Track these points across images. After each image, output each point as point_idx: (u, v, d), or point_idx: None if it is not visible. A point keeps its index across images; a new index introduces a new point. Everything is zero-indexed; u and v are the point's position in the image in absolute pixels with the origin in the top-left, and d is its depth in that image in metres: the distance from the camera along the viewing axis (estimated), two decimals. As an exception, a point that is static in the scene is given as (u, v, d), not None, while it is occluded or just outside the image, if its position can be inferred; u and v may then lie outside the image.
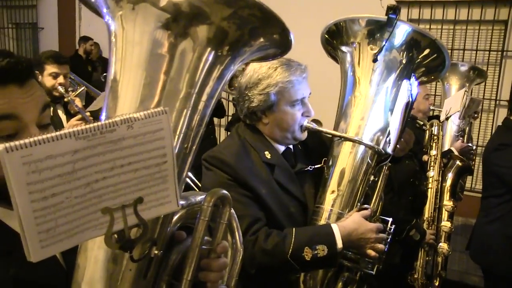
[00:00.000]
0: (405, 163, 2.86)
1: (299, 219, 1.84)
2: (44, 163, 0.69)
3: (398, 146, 1.90)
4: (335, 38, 2.00)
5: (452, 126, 3.55)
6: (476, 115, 3.93)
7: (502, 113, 5.97)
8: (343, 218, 1.80)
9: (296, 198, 1.84)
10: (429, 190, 2.98)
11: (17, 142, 0.66)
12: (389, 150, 1.89)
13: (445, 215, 2.98)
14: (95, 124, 0.73)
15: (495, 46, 6.22)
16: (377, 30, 1.87)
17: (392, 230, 1.89)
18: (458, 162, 3.14)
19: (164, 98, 0.92)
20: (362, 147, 1.87)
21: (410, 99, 1.78)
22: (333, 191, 1.86)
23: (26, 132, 0.96)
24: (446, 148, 3.43)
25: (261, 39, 1.01)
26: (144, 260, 0.93)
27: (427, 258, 2.87)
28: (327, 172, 1.91)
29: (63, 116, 3.54)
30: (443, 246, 2.89)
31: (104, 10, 0.97)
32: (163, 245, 0.99)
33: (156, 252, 0.93)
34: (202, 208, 1.03)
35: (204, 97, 0.97)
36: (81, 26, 9.39)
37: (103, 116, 0.96)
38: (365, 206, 1.86)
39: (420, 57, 1.91)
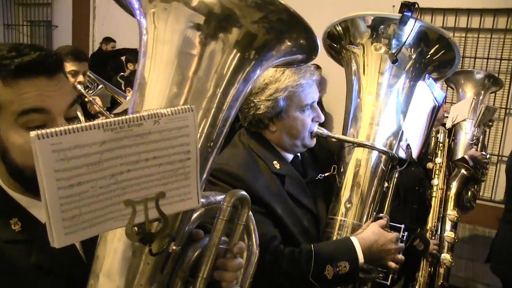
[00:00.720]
0: (411, 170, 2.80)
1: (313, 232, 1.76)
2: (72, 152, 0.71)
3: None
4: (338, 38, 1.91)
5: (467, 134, 3.50)
6: (491, 123, 3.88)
7: None
8: (359, 229, 1.73)
9: (309, 211, 1.76)
10: (433, 198, 2.92)
11: (48, 130, 0.68)
12: (404, 154, 1.83)
13: (448, 224, 2.91)
14: (123, 117, 0.75)
15: (506, 55, 6.25)
16: (386, 28, 1.79)
17: (405, 237, 1.82)
18: (463, 171, 3.07)
19: (191, 96, 0.93)
20: (375, 153, 1.79)
21: (436, 103, 1.71)
22: (347, 201, 1.78)
23: (54, 124, 0.98)
24: (459, 156, 3.39)
25: (289, 44, 1.02)
26: (162, 255, 0.94)
27: (430, 269, 2.79)
28: (339, 180, 1.83)
29: (81, 118, 3.38)
30: (446, 257, 2.81)
31: (136, 7, 1.00)
32: (181, 241, 1.00)
33: (174, 247, 0.94)
34: (221, 208, 1.04)
35: (229, 98, 0.99)
36: (95, 25, 9.46)
37: (130, 112, 0.98)
38: (381, 215, 1.79)
39: (430, 54, 1.82)
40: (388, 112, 1.82)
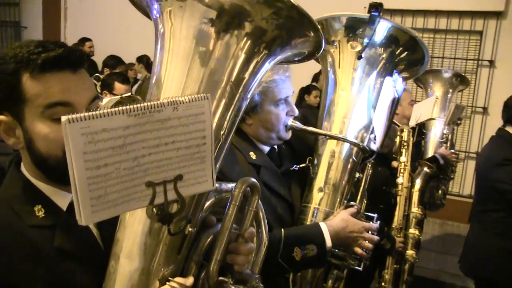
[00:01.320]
0: (378, 170, 2.83)
1: (287, 220, 1.83)
2: (100, 135, 0.77)
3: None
4: None
5: (436, 132, 3.59)
6: (459, 121, 3.96)
7: (478, 119, 6.42)
8: (331, 216, 1.83)
9: (283, 199, 1.82)
10: (399, 197, 2.97)
11: (77, 115, 0.74)
12: (375, 147, 1.92)
13: (412, 222, 2.97)
14: (145, 103, 0.81)
15: (471, 55, 6.54)
16: (358, 28, 1.89)
17: (367, 224, 1.88)
18: (426, 169, 3.14)
19: (205, 88, 1.00)
20: (347, 145, 1.89)
21: (396, 95, 1.79)
22: (319, 190, 1.88)
23: None
24: (430, 154, 3.48)
25: (297, 39, 1.08)
26: (178, 237, 1.00)
27: (396, 266, 2.87)
28: (312, 171, 1.93)
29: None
30: (410, 253, 2.89)
31: (154, 7, 1.06)
32: (196, 225, 1.06)
33: (190, 229, 1.00)
34: (233, 194, 1.10)
35: (240, 89, 1.05)
36: (66, 26, 9.21)
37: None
38: (352, 203, 1.88)
39: (400, 52, 1.92)
40: (359, 107, 1.92)
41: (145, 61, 7.04)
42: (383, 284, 2.79)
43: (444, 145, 3.58)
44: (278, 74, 1.74)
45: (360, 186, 1.98)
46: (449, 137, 3.68)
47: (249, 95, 1.09)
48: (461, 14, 6.41)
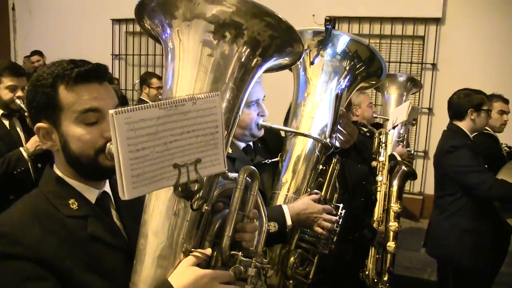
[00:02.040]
0: (358, 167, 3.19)
1: None
2: (139, 124, 0.97)
3: (341, 138, 2.24)
4: None
5: (394, 132, 3.92)
6: (414, 122, 4.33)
7: (424, 120, 6.94)
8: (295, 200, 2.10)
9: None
10: (378, 193, 3.30)
11: (122, 108, 0.95)
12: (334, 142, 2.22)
13: (392, 216, 3.31)
14: (172, 99, 1.02)
15: (415, 59, 7.07)
16: (317, 39, 2.21)
17: (343, 214, 2.17)
18: (403, 168, 3.51)
19: (211, 90, 1.21)
20: (311, 141, 2.17)
21: (338, 92, 2.13)
22: (286, 178, 2.16)
23: (104, 120, 1.24)
24: (388, 153, 3.78)
25: (286, 49, 1.32)
26: (197, 214, 1.20)
27: (377, 256, 3.18)
28: (281, 164, 2.21)
29: (21, 134, 3.35)
30: (391, 244, 3.20)
31: (165, 29, 1.28)
32: (210, 205, 1.26)
33: (206, 207, 1.20)
34: (238, 180, 1.30)
35: (238, 91, 1.27)
36: (16, 39, 9.24)
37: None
38: (315, 191, 2.16)
39: (358, 60, 2.23)
40: (322, 107, 2.22)
41: None
42: (366, 272, 3.07)
43: (401, 144, 3.93)
44: None
45: (326, 178, 2.24)
46: (405, 136, 4.06)
47: (245, 95, 1.31)
48: (404, 20, 6.91)
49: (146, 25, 1.39)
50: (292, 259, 2.13)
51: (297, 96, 2.29)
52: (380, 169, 3.35)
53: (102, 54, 7.89)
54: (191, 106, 1.05)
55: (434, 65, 6.88)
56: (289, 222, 1.98)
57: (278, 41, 1.28)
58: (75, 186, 1.29)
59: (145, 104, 0.98)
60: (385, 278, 3.22)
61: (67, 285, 1.16)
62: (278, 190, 2.16)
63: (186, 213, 1.19)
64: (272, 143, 2.33)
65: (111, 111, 0.94)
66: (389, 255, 3.20)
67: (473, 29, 6.63)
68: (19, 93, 3.22)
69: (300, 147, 2.20)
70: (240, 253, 1.28)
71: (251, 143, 2.20)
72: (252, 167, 1.34)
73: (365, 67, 2.24)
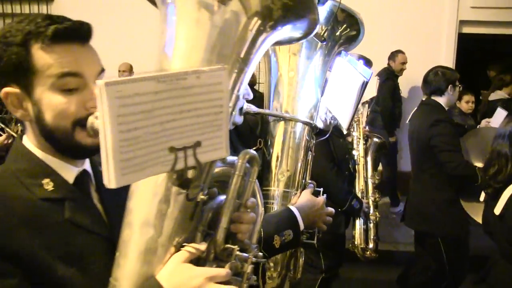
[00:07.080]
0: (340, 142, 3.18)
1: None
2: (133, 99, 0.81)
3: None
4: None
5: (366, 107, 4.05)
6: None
7: None
8: (294, 197, 1.88)
9: None
10: (357, 166, 3.43)
11: (113, 79, 0.78)
12: (344, 127, 2.06)
13: (371, 187, 3.46)
14: (172, 71, 0.86)
15: None
16: None
17: (324, 198, 1.97)
18: (375, 140, 3.66)
19: (218, 61, 1.05)
20: (299, 125, 1.94)
21: (365, 79, 1.86)
22: (278, 171, 1.93)
23: (87, 88, 1.07)
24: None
25: (298, 20, 1.16)
26: (191, 204, 1.05)
27: (364, 226, 3.32)
28: (267, 153, 1.97)
29: None
30: (374, 213, 3.35)
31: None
32: (205, 193, 1.11)
33: (202, 197, 1.05)
34: (237, 165, 1.15)
35: (244, 64, 1.11)
36: None
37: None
38: (309, 181, 1.97)
39: (340, 31, 2.00)
40: (307, 86, 1.97)
41: None
42: (355, 242, 3.25)
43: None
44: None
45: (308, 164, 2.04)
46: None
47: (251, 70, 1.15)
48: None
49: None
50: (301, 261, 1.98)
51: (272, 75, 2.02)
52: (356, 144, 3.48)
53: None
54: (194, 80, 0.89)
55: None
56: (302, 226, 1.78)
57: (292, 12, 1.12)
58: (50, 163, 1.12)
59: (141, 76, 0.82)
60: (370, 246, 3.34)
61: (41, 279, 1.00)
62: (270, 186, 1.94)
63: (179, 202, 1.04)
64: (243, 129, 2.05)
65: (100, 81, 0.77)
66: (372, 224, 3.32)
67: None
68: None
69: (288, 134, 1.95)
70: (236, 246, 1.14)
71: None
72: (253, 151, 1.19)
73: (345, 36, 2.03)
